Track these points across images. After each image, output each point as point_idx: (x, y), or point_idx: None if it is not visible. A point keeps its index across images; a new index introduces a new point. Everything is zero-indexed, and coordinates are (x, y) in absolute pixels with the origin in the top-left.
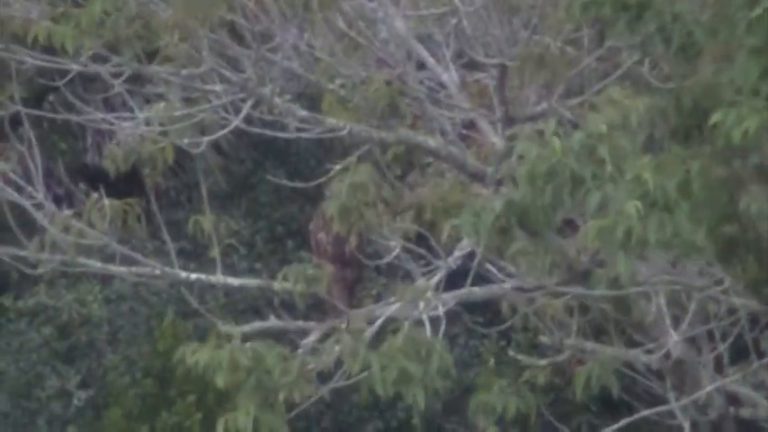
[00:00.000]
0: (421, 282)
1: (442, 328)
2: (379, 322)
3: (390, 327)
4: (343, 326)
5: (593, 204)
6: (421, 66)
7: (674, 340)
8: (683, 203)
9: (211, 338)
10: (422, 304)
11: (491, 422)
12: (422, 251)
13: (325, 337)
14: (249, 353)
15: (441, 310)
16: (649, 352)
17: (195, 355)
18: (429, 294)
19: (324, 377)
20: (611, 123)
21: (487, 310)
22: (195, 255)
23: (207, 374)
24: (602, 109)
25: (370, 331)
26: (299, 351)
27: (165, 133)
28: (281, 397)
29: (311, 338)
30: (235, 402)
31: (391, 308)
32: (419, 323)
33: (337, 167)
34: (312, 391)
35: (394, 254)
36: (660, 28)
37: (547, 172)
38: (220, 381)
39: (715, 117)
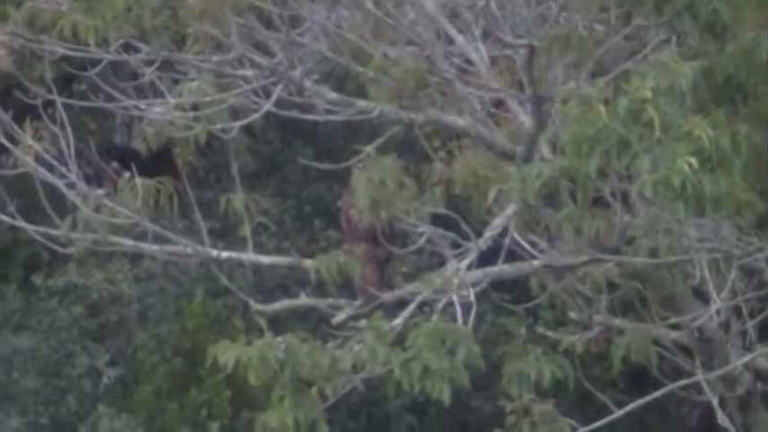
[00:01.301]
0: (452, 264)
1: (473, 314)
2: (408, 310)
3: (416, 319)
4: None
5: (644, 168)
6: (450, 43)
7: (714, 308)
8: (737, 161)
9: (240, 336)
10: (455, 285)
11: (525, 390)
12: (451, 235)
13: (356, 315)
14: (282, 346)
15: (471, 295)
16: (677, 328)
17: (225, 355)
18: (457, 280)
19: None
20: (656, 88)
21: (515, 288)
22: (224, 234)
23: (239, 373)
24: (648, 73)
25: (397, 321)
26: (329, 345)
27: (196, 117)
28: (315, 390)
29: (342, 316)
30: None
31: (420, 296)
32: (451, 305)
33: (368, 149)
34: (344, 383)
35: (422, 240)
36: (688, 5)
37: (593, 137)
38: (253, 379)
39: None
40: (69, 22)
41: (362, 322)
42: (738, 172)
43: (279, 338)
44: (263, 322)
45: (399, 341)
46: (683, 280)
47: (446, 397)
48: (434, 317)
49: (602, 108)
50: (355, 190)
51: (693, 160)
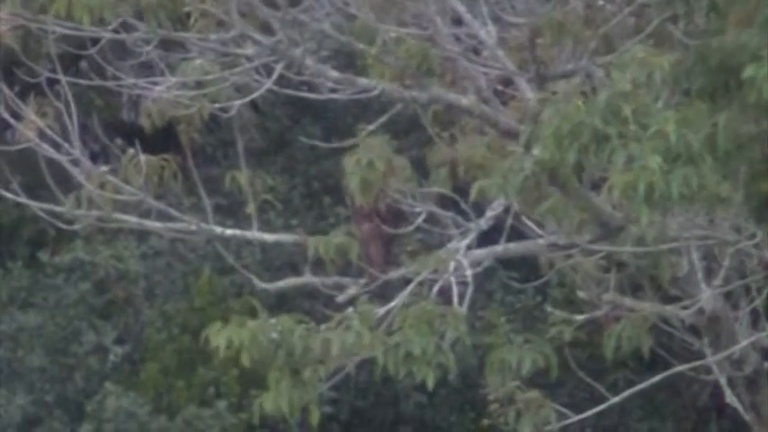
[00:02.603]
0: (452, 244)
1: (469, 293)
2: (406, 292)
3: (409, 300)
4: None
5: (618, 162)
6: (455, 21)
7: (706, 295)
8: (708, 156)
9: (234, 318)
10: (451, 267)
11: (508, 380)
12: (451, 214)
13: (361, 290)
14: (277, 328)
15: (469, 275)
16: (685, 308)
17: (218, 337)
18: (453, 261)
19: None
20: (635, 81)
21: (524, 266)
22: (231, 211)
23: (230, 354)
24: (628, 67)
25: (394, 303)
26: (322, 327)
27: (199, 95)
28: (307, 373)
29: (347, 294)
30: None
31: (418, 277)
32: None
33: (369, 128)
34: (337, 366)
35: (420, 220)
36: None
37: (571, 131)
38: (246, 360)
39: (748, 71)
40: (65, 3)
41: (350, 310)
42: (710, 168)
43: (273, 320)
44: (257, 303)
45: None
46: (671, 268)
47: (430, 381)
48: (430, 298)
49: (580, 102)
50: (346, 172)
51: (659, 159)
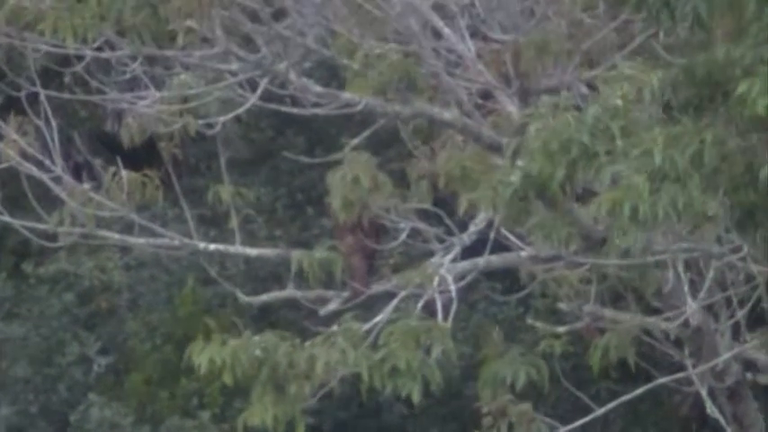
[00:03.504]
0: (436, 259)
1: (454, 308)
2: (390, 307)
3: (393, 316)
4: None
5: (605, 180)
6: (436, 35)
7: (693, 308)
8: (695, 174)
9: (216, 337)
10: (435, 282)
11: (502, 394)
12: (435, 230)
13: (343, 304)
14: (261, 345)
15: (453, 290)
16: (668, 319)
17: (200, 356)
18: (437, 277)
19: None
20: (625, 97)
21: (506, 277)
22: (215, 222)
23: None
24: (616, 83)
25: (378, 318)
26: (307, 344)
27: (183, 110)
28: (293, 389)
29: (330, 307)
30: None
31: (402, 293)
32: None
33: (352, 142)
34: (322, 382)
35: (403, 236)
36: (665, 2)
37: (560, 146)
38: (228, 378)
39: (741, 87)
40: (50, 23)
41: (334, 327)
42: (696, 186)
43: (257, 337)
44: (238, 321)
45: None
46: (656, 282)
47: (416, 396)
48: (415, 313)
49: (569, 116)
50: (330, 188)
51: (646, 181)
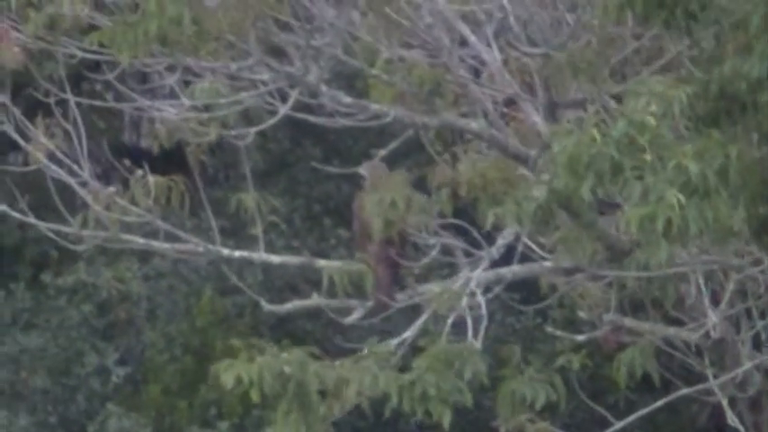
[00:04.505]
0: (463, 273)
1: (483, 326)
2: (420, 322)
3: (423, 340)
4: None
5: (634, 195)
6: (462, 43)
7: (714, 319)
8: (722, 190)
9: (241, 354)
10: (464, 302)
11: (520, 412)
12: (462, 245)
13: (368, 315)
14: (287, 362)
15: (483, 308)
16: (689, 329)
17: (227, 373)
18: (467, 293)
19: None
20: (653, 113)
21: (524, 287)
22: (233, 232)
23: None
24: (643, 98)
25: (408, 333)
26: (336, 363)
27: (209, 118)
28: (322, 409)
29: (354, 317)
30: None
31: (429, 310)
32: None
33: (381, 152)
34: (351, 403)
35: (434, 253)
36: (692, 16)
37: (587, 161)
38: (255, 395)
39: (763, 97)
40: (99, 36)
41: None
42: (725, 202)
43: (284, 354)
44: (267, 346)
45: (413, 350)
46: (676, 295)
47: (446, 421)
48: (446, 330)
49: (595, 131)
50: (367, 209)
51: (680, 195)
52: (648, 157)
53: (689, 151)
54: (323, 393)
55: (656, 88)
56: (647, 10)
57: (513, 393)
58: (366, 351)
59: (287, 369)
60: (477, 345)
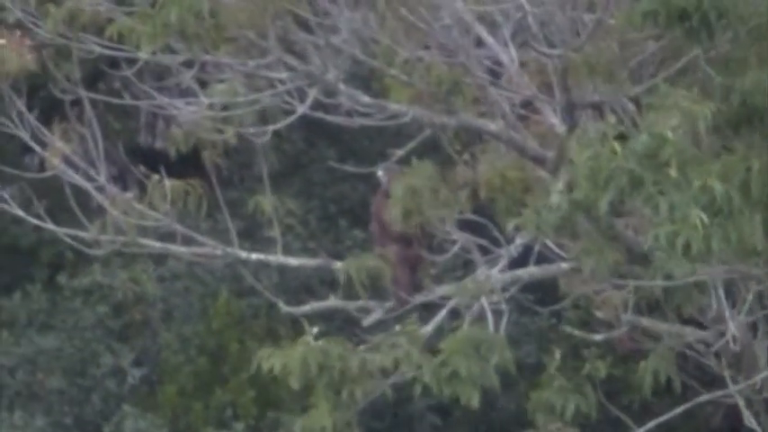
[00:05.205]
0: (482, 270)
1: (504, 320)
2: (440, 316)
3: (450, 326)
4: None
5: (662, 211)
6: (479, 43)
7: (733, 331)
8: (746, 209)
9: (283, 342)
10: (485, 295)
11: (551, 420)
12: (482, 241)
13: (387, 314)
14: (319, 351)
15: (503, 302)
16: (703, 327)
17: (270, 360)
18: (489, 288)
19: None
20: (675, 127)
21: (539, 288)
22: (248, 234)
23: (281, 377)
24: (666, 111)
25: (428, 327)
26: (361, 347)
27: (226, 118)
28: (345, 394)
29: (373, 317)
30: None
31: (452, 302)
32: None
33: (399, 153)
34: (374, 388)
35: (455, 248)
36: (706, 23)
37: (608, 174)
38: (294, 383)
39: None
40: (118, 28)
41: (397, 327)
42: (748, 222)
43: (319, 342)
44: (308, 327)
45: (429, 347)
46: (698, 303)
47: (475, 401)
48: (465, 324)
49: (616, 144)
50: (392, 197)
51: (703, 215)
52: (673, 172)
53: (713, 170)
54: (350, 380)
55: (681, 102)
56: (669, 20)
57: (546, 402)
58: (398, 329)
59: (318, 359)
60: (502, 337)
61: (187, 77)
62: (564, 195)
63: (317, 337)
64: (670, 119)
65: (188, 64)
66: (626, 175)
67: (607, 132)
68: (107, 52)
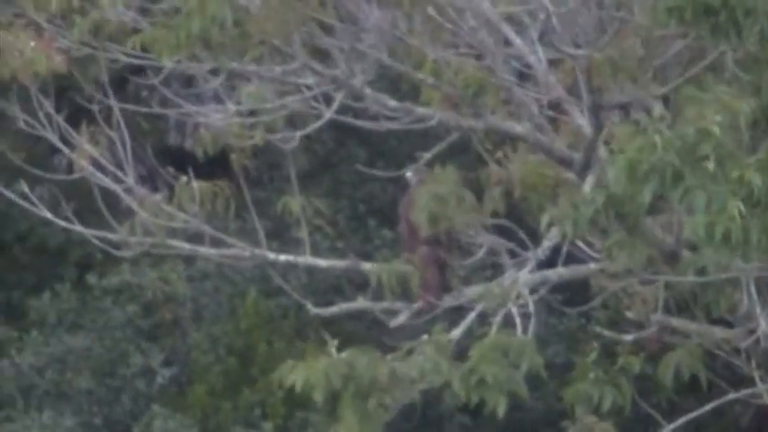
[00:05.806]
0: (510, 273)
1: (532, 324)
2: (468, 320)
3: (478, 331)
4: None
5: (699, 204)
6: (507, 46)
7: (764, 329)
8: None
9: (306, 355)
10: (513, 297)
11: (587, 411)
12: (506, 243)
13: (414, 317)
14: (344, 363)
15: (531, 306)
16: (731, 326)
17: (293, 374)
18: (516, 291)
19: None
20: (720, 123)
21: (567, 288)
22: (277, 234)
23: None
24: (706, 106)
25: (457, 331)
26: (389, 357)
27: (254, 123)
28: (373, 403)
29: (400, 319)
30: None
31: (480, 306)
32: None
33: (426, 155)
34: (403, 396)
35: (481, 252)
36: (734, 22)
37: (649, 168)
38: (318, 396)
39: None
40: (141, 39)
41: (424, 337)
42: None
43: (343, 354)
44: (331, 341)
45: (458, 350)
46: (728, 301)
47: (501, 409)
48: (494, 328)
49: (657, 138)
50: (416, 202)
51: (742, 206)
52: (711, 165)
53: (752, 163)
54: (384, 388)
55: (722, 97)
56: (695, 16)
57: (583, 394)
58: (426, 338)
59: (344, 369)
60: (531, 341)
61: (214, 84)
62: (599, 190)
63: (339, 349)
64: (712, 113)
65: (214, 71)
66: (667, 169)
67: (648, 126)
68: (133, 61)
